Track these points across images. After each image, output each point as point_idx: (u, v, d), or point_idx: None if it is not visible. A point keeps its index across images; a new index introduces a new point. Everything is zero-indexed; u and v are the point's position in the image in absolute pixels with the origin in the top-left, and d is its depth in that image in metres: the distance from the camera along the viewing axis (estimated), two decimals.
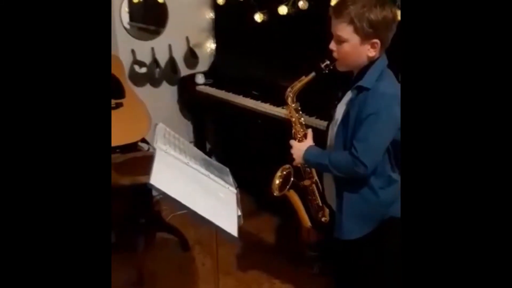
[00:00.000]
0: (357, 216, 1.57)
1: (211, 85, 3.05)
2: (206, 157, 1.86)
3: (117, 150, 2.57)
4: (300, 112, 1.72)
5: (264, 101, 2.69)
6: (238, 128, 3.11)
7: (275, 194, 1.84)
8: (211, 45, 3.30)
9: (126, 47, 2.96)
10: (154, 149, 1.56)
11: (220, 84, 3.02)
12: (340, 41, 1.48)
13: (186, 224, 2.74)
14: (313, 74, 1.59)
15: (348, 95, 1.55)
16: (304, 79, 1.62)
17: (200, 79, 3.11)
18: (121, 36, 2.94)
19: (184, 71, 3.23)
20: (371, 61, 1.50)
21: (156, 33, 3.10)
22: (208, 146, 3.48)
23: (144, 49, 3.04)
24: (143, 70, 3.05)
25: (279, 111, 2.54)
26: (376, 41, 1.45)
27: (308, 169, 1.79)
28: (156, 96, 3.14)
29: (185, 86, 3.17)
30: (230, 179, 1.78)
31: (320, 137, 1.72)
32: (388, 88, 1.45)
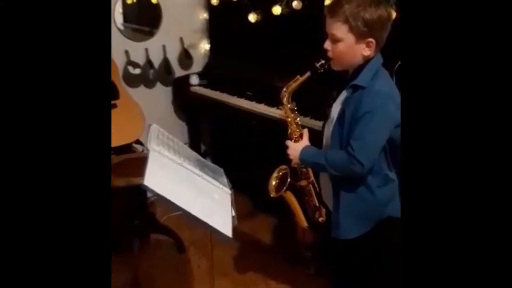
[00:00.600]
0: (354, 215, 1.57)
1: (205, 86, 3.04)
2: (200, 157, 1.85)
3: (111, 152, 2.55)
4: (296, 112, 1.71)
5: (259, 101, 2.67)
6: (233, 129, 3.09)
7: (272, 195, 1.83)
8: (205, 46, 3.29)
9: (120, 48, 2.94)
10: (148, 150, 1.54)
11: (215, 85, 3.00)
12: (335, 40, 1.47)
13: (181, 226, 2.73)
14: (308, 73, 1.59)
15: (344, 94, 1.54)
16: (299, 79, 1.62)
17: (194, 80, 3.09)
18: (115, 37, 2.91)
19: (178, 72, 3.22)
20: (366, 60, 1.49)
21: (150, 34, 3.08)
22: (203, 147, 3.46)
23: (138, 50, 3.03)
24: (137, 71, 3.03)
25: (273, 112, 2.53)
26: (371, 40, 1.45)
27: (305, 169, 1.78)
28: (151, 97, 3.13)
29: (180, 87, 3.15)
30: (225, 179, 1.76)
31: (315, 137, 1.72)
32: (383, 87, 1.45)
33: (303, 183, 1.80)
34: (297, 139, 1.68)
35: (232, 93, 2.84)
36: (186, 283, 2.46)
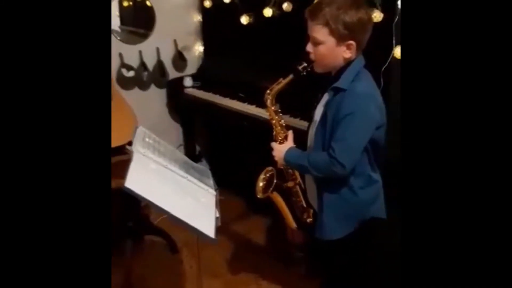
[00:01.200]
0: (338, 216, 1.58)
1: (198, 88, 3.06)
2: (188, 160, 1.87)
3: None
4: (280, 114, 1.73)
5: (251, 103, 2.68)
6: (226, 130, 3.11)
7: (258, 196, 1.84)
8: (199, 48, 3.30)
9: (113, 51, 2.95)
10: (132, 152, 1.56)
11: (208, 87, 3.02)
12: (316, 43, 1.49)
13: (174, 227, 2.73)
14: (291, 76, 1.60)
15: (326, 96, 1.55)
16: (282, 82, 1.63)
17: (188, 81, 3.11)
18: None
19: (172, 74, 3.24)
20: (348, 62, 1.51)
21: (144, 36, 3.10)
22: (198, 148, 3.48)
23: (131, 53, 3.04)
24: (131, 73, 3.05)
25: (265, 113, 2.52)
26: (352, 43, 1.46)
27: (291, 170, 1.80)
28: (145, 100, 3.15)
29: (174, 89, 3.17)
30: (211, 181, 1.78)
31: (305, 138, 1.72)
32: (364, 88, 1.46)
33: (290, 184, 1.81)
34: (282, 141, 1.70)
35: (224, 94, 2.85)
36: (178, 284, 2.47)
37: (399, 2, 1.91)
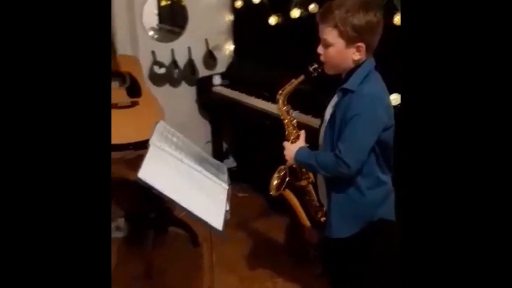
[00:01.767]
0: (345, 216, 1.60)
1: (226, 86, 3.13)
2: (205, 154, 1.93)
3: (130, 147, 2.68)
4: (293, 114, 1.77)
5: (274, 102, 2.72)
6: (251, 128, 3.16)
7: (271, 193, 1.88)
8: (230, 47, 3.38)
9: (147, 48, 3.09)
10: (147, 144, 1.64)
11: (235, 85, 3.09)
12: (327, 45, 1.52)
13: (197, 221, 2.82)
14: (302, 77, 1.64)
15: (335, 97, 1.58)
16: (294, 82, 1.67)
17: (217, 80, 3.19)
18: (142, 38, 3.06)
19: (202, 72, 3.32)
20: (358, 64, 1.53)
21: (176, 35, 3.21)
22: (225, 145, 3.55)
23: (164, 51, 3.16)
24: (162, 70, 3.16)
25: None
26: (361, 45, 1.48)
27: (304, 169, 1.83)
28: (175, 96, 3.26)
29: (203, 87, 3.26)
30: (225, 176, 1.83)
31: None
32: (372, 90, 1.48)
33: (303, 183, 1.84)
34: (294, 140, 1.74)
35: (250, 93, 2.92)
36: (196, 277, 2.54)
37: None
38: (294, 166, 1.80)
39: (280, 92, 1.72)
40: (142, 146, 2.66)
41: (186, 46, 3.22)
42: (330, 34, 1.48)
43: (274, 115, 2.68)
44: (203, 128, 3.46)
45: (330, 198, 1.63)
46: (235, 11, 3.26)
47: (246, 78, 3.05)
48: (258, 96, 2.85)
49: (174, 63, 3.19)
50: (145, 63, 3.07)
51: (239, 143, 3.53)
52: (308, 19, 2.62)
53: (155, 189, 1.47)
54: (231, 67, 3.31)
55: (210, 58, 3.32)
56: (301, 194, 1.89)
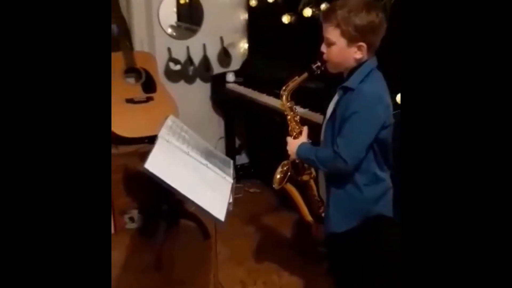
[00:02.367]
0: (342, 210, 1.65)
1: (239, 83, 3.19)
2: (212, 149, 1.99)
3: (146, 141, 2.77)
4: (296, 111, 1.81)
5: None
6: (263, 125, 3.22)
7: (274, 187, 1.93)
8: (244, 45, 3.43)
9: (162, 45, 3.16)
10: (157, 137, 1.70)
11: (248, 83, 3.14)
12: (329, 44, 1.56)
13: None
14: (305, 74, 1.69)
15: (337, 95, 1.62)
16: (297, 79, 1.72)
17: (230, 77, 3.25)
18: (159, 35, 3.14)
19: (217, 69, 3.38)
20: (360, 63, 1.57)
21: (192, 32, 3.28)
22: (238, 141, 3.61)
23: (180, 48, 3.23)
24: (178, 67, 3.24)
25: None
26: (362, 44, 1.52)
27: (307, 165, 1.87)
28: (190, 92, 3.33)
29: (217, 84, 3.32)
30: (231, 170, 1.89)
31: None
32: (371, 89, 1.52)
33: (306, 178, 1.89)
34: (296, 136, 1.78)
35: (261, 91, 2.97)
36: (205, 269, 2.60)
37: None
38: (297, 161, 1.85)
39: (283, 88, 1.77)
40: (153, 140, 2.75)
41: (201, 44, 3.29)
42: (332, 33, 1.53)
43: (282, 112, 2.72)
44: (217, 124, 3.52)
45: (329, 193, 1.68)
46: (250, 9, 3.31)
47: (259, 76, 3.11)
48: (269, 93, 2.89)
49: (189, 60, 3.26)
50: (161, 59, 3.15)
51: (251, 139, 3.59)
52: (319, 18, 2.65)
53: (161, 180, 1.53)
54: (245, 64, 3.37)
55: (224, 56, 3.38)
56: (303, 189, 1.94)
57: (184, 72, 3.27)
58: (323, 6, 2.60)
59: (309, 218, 1.99)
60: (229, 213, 1.64)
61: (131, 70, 2.92)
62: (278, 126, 2.82)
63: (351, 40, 1.51)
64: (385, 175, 1.64)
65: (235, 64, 3.44)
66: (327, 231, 1.70)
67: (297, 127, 1.79)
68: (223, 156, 2.03)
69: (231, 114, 3.47)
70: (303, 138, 1.75)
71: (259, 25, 3.28)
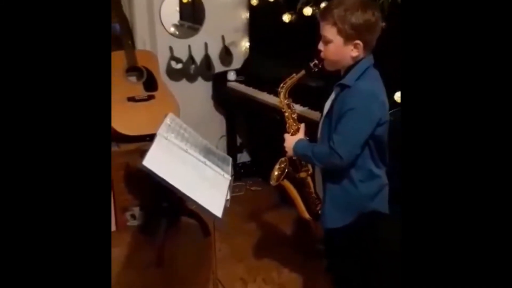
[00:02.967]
0: (338, 206, 1.67)
1: (240, 82, 3.21)
2: (211, 147, 2.01)
3: (147, 139, 2.78)
4: (294, 108, 1.83)
5: None
6: (264, 124, 3.23)
7: (271, 183, 1.95)
8: (246, 44, 3.45)
9: (164, 44, 3.18)
10: (155, 135, 1.72)
11: (250, 81, 3.16)
12: (326, 42, 1.58)
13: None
14: (302, 72, 1.71)
15: (334, 92, 1.64)
16: (295, 77, 1.75)
17: (231, 76, 3.27)
18: (161, 34, 3.16)
19: (218, 68, 3.40)
20: (356, 61, 1.58)
21: (194, 31, 3.30)
22: (239, 140, 3.63)
23: (181, 47, 3.25)
24: (179, 66, 3.26)
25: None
26: (358, 42, 1.54)
27: (304, 162, 1.89)
28: (192, 91, 3.34)
29: (218, 82, 3.34)
30: (229, 168, 1.91)
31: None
32: (367, 86, 1.54)
33: (303, 175, 1.91)
34: (294, 133, 1.80)
35: (263, 89, 2.98)
36: (205, 266, 2.62)
37: None
38: (294, 158, 1.87)
39: (281, 85, 1.79)
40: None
41: (203, 42, 3.31)
42: (329, 31, 1.55)
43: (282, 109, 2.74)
44: (218, 123, 3.54)
45: (325, 190, 1.70)
46: (251, 8, 3.33)
47: (260, 74, 3.12)
48: (270, 92, 2.91)
49: (191, 58, 3.28)
50: (163, 58, 3.17)
51: (253, 138, 3.61)
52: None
53: (159, 177, 1.55)
54: (246, 63, 3.38)
55: (226, 55, 3.40)
56: (300, 186, 1.96)
57: (186, 70, 3.29)
58: (322, 5, 2.61)
59: (306, 215, 2.00)
60: (226, 210, 1.67)
61: (133, 69, 2.94)
62: (279, 125, 2.83)
63: (348, 38, 1.53)
64: (381, 171, 1.66)
65: (237, 63, 3.45)
66: (323, 227, 1.72)
67: (295, 124, 1.81)
68: (222, 153, 2.05)
69: (233, 112, 3.48)
70: (300, 135, 1.77)
71: (260, 24, 3.29)
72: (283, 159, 1.92)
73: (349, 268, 1.77)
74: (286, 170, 1.87)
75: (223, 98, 3.38)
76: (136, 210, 2.95)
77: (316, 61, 1.66)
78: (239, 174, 3.45)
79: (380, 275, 1.67)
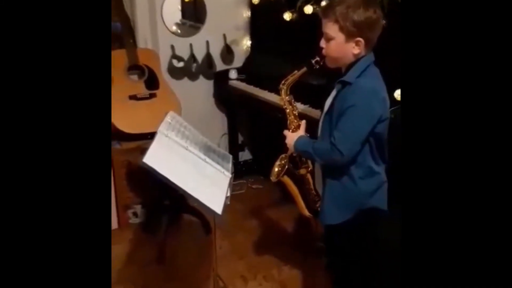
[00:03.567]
0: (337, 203, 1.67)
1: (242, 80, 3.21)
2: (211, 144, 2.01)
3: (149, 137, 2.79)
4: (295, 105, 1.84)
5: None
6: (266, 122, 3.23)
7: (272, 179, 1.95)
8: (247, 42, 3.45)
9: (166, 42, 3.19)
10: (156, 132, 1.73)
11: (251, 80, 3.16)
12: (328, 39, 1.59)
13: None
14: (304, 68, 1.72)
15: (335, 89, 1.65)
16: (296, 73, 1.75)
17: (233, 74, 3.27)
18: (162, 33, 3.17)
19: (220, 66, 3.40)
20: (358, 59, 1.59)
21: (195, 29, 3.30)
22: (240, 138, 3.63)
23: (183, 45, 3.25)
24: (181, 64, 3.27)
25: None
26: (360, 40, 1.55)
27: (304, 158, 1.90)
28: (193, 89, 3.35)
29: (220, 81, 3.34)
30: (229, 165, 1.91)
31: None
32: (368, 83, 1.55)
33: (303, 171, 1.91)
34: (294, 130, 1.81)
35: (264, 87, 2.99)
36: (206, 263, 2.63)
37: None
38: (294, 154, 1.87)
39: (283, 82, 1.80)
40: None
41: (205, 41, 3.31)
42: (331, 28, 1.56)
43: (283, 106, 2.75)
44: (220, 121, 3.54)
45: (325, 186, 1.71)
46: (252, 7, 3.33)
47: (262, 73, 3.12)
48: (272, 90, 2.91)
49: (192, 57, 3.29)
50: (164, 57, 3.18)
51: (254, 136, 3.61)
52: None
53: (159, 174, 1.56)
54: (247, 61, 3.39)
55: (227, 53, 3.41)
56: (300, 182, 1.96)
57: (187, 69, 3.30)
58: (323, 3, 2.61)
59: (305, 211, 2.00)
60: (227, 208, 1.68)
61: (135, 67, 2.95)
62: (281, 123, 2.84)
63: (349, 35, 1.54)
64: (380, 169, 1.67)
65: (238, 61, 3.46)
66: (322, 223, 1.73)
67: (296, 121, 1.82)
68: (223, 151, 2.06)
69: (234, 111, 3.49)
70: (301, 131, 1.78)
71: (261, 22, 3.30)
72: (283, 155, 1.93)
73: (349, 267, 1.77)
74: (286, 167, 1.87)
75: (225, 97, 3.39)
76: (138, 208, 2.96)
77: (317, 58, 1.67)
78: (240, 172, 3.45)
79: (379, 274, 1.68)
